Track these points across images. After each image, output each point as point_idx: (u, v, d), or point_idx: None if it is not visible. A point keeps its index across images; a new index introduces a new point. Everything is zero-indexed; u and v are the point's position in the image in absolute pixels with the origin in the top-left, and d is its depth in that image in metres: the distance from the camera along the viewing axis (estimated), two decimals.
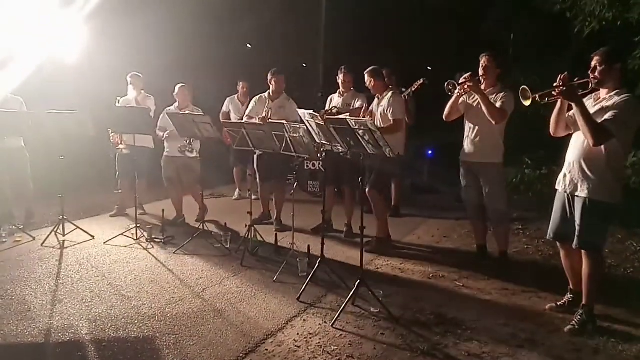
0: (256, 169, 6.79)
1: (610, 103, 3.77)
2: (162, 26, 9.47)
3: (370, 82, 5.96)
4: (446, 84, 5.05)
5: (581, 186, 3.89)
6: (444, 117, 5.32)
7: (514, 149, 5.17)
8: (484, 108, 4.90)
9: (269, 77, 6.79)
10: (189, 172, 6.59)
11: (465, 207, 5.54)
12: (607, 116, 3.70)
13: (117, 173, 7.41)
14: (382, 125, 5.75)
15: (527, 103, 3.92)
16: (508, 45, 11.32)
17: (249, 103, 8.24)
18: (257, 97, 6.94)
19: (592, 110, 3.80)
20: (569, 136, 4.10)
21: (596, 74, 3.82)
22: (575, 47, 8.39)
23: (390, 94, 5.93)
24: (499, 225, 5.30)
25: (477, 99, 5.02)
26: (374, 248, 5.91)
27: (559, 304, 4.38)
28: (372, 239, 6.08)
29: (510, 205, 5.40)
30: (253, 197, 6.05)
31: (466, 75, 4.96)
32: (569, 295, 4.37)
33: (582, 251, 3.97)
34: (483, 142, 5.09)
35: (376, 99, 6.07)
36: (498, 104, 4.92)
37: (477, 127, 5.12)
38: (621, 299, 4.58)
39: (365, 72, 5.99)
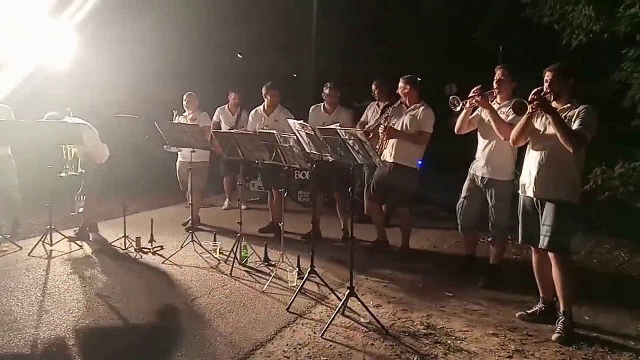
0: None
1: (572, 113, 4.00)
2: (153, 35, 9.47)
3: (405, 89, 5.88)
4: (450, 98, 4.99)
5: (555, 190, 4.06)
6: (455, 130, 5.27)
7: None
8: (492, 123, 4.83)
9: (264, 91, 6.82)
10: (195, 175, 6.58)
11: (458, 217, 5.51)
12: (577, 124, 3.92)
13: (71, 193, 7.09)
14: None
15: (525, 115, 4.09)
16: (497, 56, 11.41)
17: (240, 113, 8.37)
18: (253, 111, 6.97)
19: (549, 121, 4.03)
20: None
21: (554, 87, 4.05)
22: (563, 58, 8.48)
23: (423, 107, 5.84)
24: (498, 239, 5.27)
25: None
26: (400, 258, 6.07)
27: (529, 312, 4.45)
28: (372, 244, 6.37)
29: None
30: (243, 206, 6.03)
31: (475, 89, 4.90)
32: (540, 305, 4.44)
33: (552, 255, 4.09)
34: (494, 158, 5.03)
35: (403, 106, 5.96)
36: (509, 119, 4.78)
37: (489, 142, 5.06)
38: (609, 308, 4.61)
39: (402, 78, 5.92)
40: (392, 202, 6.14)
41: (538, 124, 4.18)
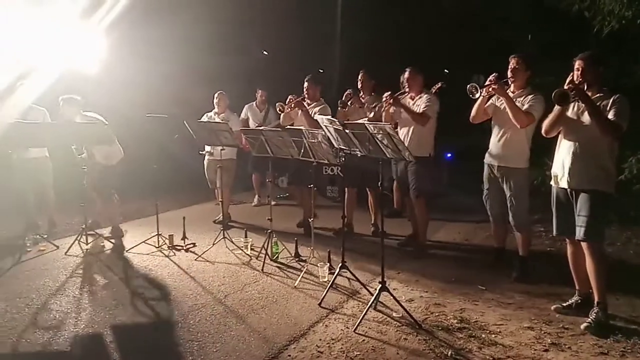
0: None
1: (605, 102, 3.94)
2: (179, 37, 9.57)
3: (407, 81, 5.99)
4: (468, 86, 4.97)
5: (589, 180, 4.00)
6: (470, 119, 5.28)
7: (535, 150, 5.13)
8: (508, 111, 4.83)
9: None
10: (225, 172, 6.65)
11: (486, 209, 5.50)
12: (612, 113, 3.87)
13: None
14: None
15: (567, 105, 4.01)
16: (524, 47, 11.21)
17: (267, 109, 8.50)
18: None
19: (581, 110, 4.02)
20: None
21: (585, 76, 3.99)
22: (593, 47, 8.31)
23: (425, 95, 5.90)
24: (520, 230, 5.23)
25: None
26: (409, 246, 6.10)
27: (564, 304, 4.38)
28: (405, 238, 6.35)
29: (531, 208, 5.34)
30: (272, 203, 6.07)
31: (491, 77, 4.91)
32: (576, 297, 4.38)
33: (585, 245, 4.03)
34: (509, 146, 5.04)
35: (409, 100, 6.03)
36: (525, 107, 4.83)
37: (504, 131, 5.06)
38: None
39: (407, 71, 6.00)
40: (411, 193, 6.09)
41: (570, 113, 4.12)
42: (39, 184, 6.78)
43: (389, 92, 5.92)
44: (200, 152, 7.21)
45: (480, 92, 4.96)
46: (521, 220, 5.17)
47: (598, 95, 4.00)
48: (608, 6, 7.04)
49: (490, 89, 4.92)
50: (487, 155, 5.28)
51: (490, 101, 5.15)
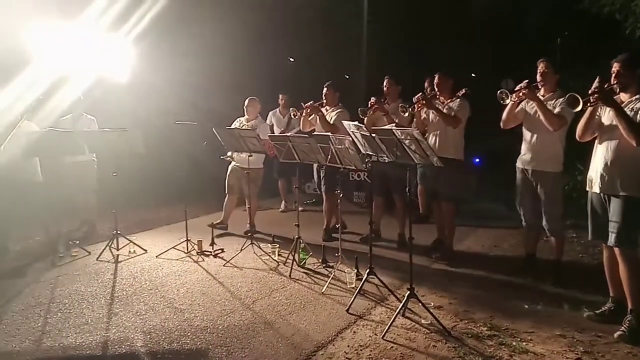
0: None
1: (639, 105, 3.87)
2: (206, 47, 9.70)
3: (438, 86, 5.99)
4: (498, 92, 4.96)
5: (621, 185, 3.94)
6: (501, 124, 5.25)
7: (567, 155, 5.06)
8: (541, 115, 4.83)
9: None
10: (251, 182, 6.71)
11: (521, 215, 5.42)
12: None
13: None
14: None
15: (578, 109, 3.94)
16: (554, 50, 11.07)
17: (290, 114, 8.54)
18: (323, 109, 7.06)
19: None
20: None
21: (620, 79, 3.95)
22: (625, 49, 8.17)
23: (458, 100, 5.84)
24: (555, 235, 5.17)
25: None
26: (444, 258, 5.95)
27: (597, 312, 4.30)
28: (432, 244, 6.27)
29: (564, 214, 5.26)
30: (300, 208, 6.08)
31: (522, 83, 4.89)
32: (609, 304, 4.29)
33: (618, 251, 3.98)
34: (543, 150, 5.00)
35: (440, 103, 5.98)
36: (557, 110, 4.82)
37: (536, 135, 5.03)
38: None
39: (437, 75, 6.00)
40: (441, 197, 6.02)
41: (605, 117, 4.07)
42: (83, 187, 6.88)
43: (421, 93, 5.92)
44: (221, 157, 7.25)
45: (511, 98, 4.95)
46: (556, 225, 5.10)
47: (636, 97, 3.93)
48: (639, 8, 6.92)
49: (521, 94, 4.91)
50: (519, 160, 5.24)
51: (521, 106, 5.13)
